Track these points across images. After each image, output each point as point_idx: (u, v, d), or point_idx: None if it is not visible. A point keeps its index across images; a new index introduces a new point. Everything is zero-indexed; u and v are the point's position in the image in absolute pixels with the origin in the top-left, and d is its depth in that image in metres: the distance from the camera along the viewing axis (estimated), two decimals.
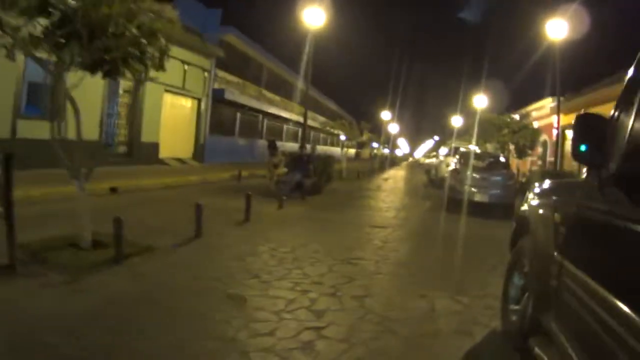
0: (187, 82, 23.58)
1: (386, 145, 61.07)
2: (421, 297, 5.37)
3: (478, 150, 22.27)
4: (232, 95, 28.58)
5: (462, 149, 20.73)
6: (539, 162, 24.53)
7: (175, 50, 20.88)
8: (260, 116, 35.25)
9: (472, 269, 7.02)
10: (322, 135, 55.95)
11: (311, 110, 43.86)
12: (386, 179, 29.13)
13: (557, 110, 16.35)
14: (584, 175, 3.14)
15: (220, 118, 28.45)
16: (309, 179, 14.58)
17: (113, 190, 11.68)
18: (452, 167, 15.97)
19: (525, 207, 4.31)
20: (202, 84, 25.32)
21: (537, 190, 4.27)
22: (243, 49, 31.64)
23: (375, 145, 56.57)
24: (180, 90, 23.40)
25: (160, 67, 6.93)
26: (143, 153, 20.12)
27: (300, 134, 20.98)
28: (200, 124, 25.66)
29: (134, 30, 6.09)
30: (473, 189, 13.55)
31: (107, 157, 16.83)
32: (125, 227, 5.82)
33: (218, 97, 26.91)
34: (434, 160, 33.25)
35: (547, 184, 4.22)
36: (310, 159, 16.08)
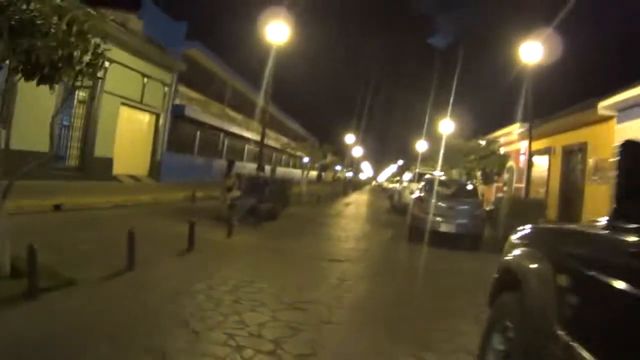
0: (146, 96, 22.51)
1: (350, 169, 60.51)
2: (379, 354, 4.50)
3: (443, 177, 21.69)
4: (192, 112, 27.59)
5: (427, 176, 20.08)
6: (505, 188, 24.16)
7: (134, 62, 20.01)
8: (221, 135, 34.20)
9: (439, 313, 6.23)
10: (284, 156, 55.01)
11: (274, 130, 42.98)
12: (347, 204, 28.34)
13: (529, 136, 15.92)
14: (605, 224, 2.30)
15: (179, 135, 27.32)
16: (264, 204, 13.65)
17: (57, 207, 10.99)
18: (416, 194, 15.18)
19: (510, 256, 3.44)
20: (161, 99, 24.25)
21: (524, 233, 3.43)
22: (207, 65, 30.63)
23: (338, 168, 56.00)
24: (138, 104, 22.32)
25: (94, 74, 6.08)
26: (96, 168, 18.95)
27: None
28: (158, 140, 24.51)
29: (63, 28, 5.29)
30: (438, 219, 12.76)
31: (54, 171, 15.61)
32: (56, 251, 5.08)
33: (178, 114, 25.85)
34: (397, 185, 32.74)
35: (541, 228, 3.39)
36: (267, 182, 15.20)
